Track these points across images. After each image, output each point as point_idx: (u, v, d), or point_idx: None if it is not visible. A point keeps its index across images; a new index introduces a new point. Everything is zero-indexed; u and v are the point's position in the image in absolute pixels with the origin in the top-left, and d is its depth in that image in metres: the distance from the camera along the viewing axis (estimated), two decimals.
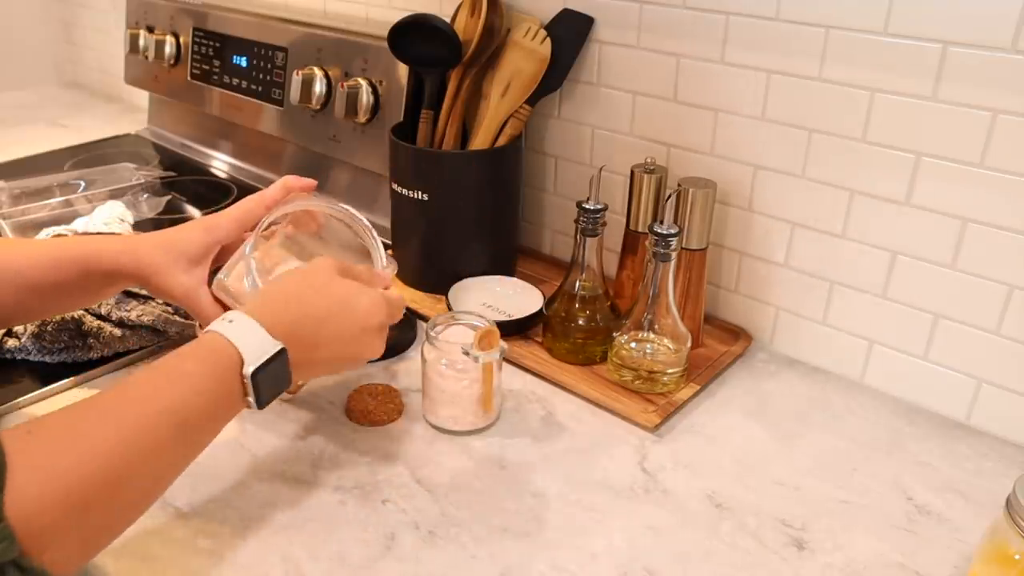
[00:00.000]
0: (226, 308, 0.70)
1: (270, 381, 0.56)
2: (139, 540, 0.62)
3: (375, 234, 0.76)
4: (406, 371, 0.84)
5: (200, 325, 0.81)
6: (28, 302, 0.69)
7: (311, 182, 0.75)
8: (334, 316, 0.62)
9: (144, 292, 0.84)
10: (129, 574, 0.59)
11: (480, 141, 0.96)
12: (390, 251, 1.03)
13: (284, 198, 0.73)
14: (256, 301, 0.61)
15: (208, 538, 0.62)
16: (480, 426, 0.75)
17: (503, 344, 0.73)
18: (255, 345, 0.55)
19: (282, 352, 0.57)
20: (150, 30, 1.46)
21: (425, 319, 0.91)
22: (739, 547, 0.63)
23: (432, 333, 0.74)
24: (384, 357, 0.85)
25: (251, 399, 0.55)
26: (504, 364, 0.85)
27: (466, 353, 0.72)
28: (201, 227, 0.71)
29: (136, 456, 0.48)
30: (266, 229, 0.72)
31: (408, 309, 0.93)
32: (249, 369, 0.54)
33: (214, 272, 0.71)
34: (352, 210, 0.75)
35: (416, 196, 0.93)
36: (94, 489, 0.45)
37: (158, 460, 0.50)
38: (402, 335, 0.88)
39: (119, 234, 0.98)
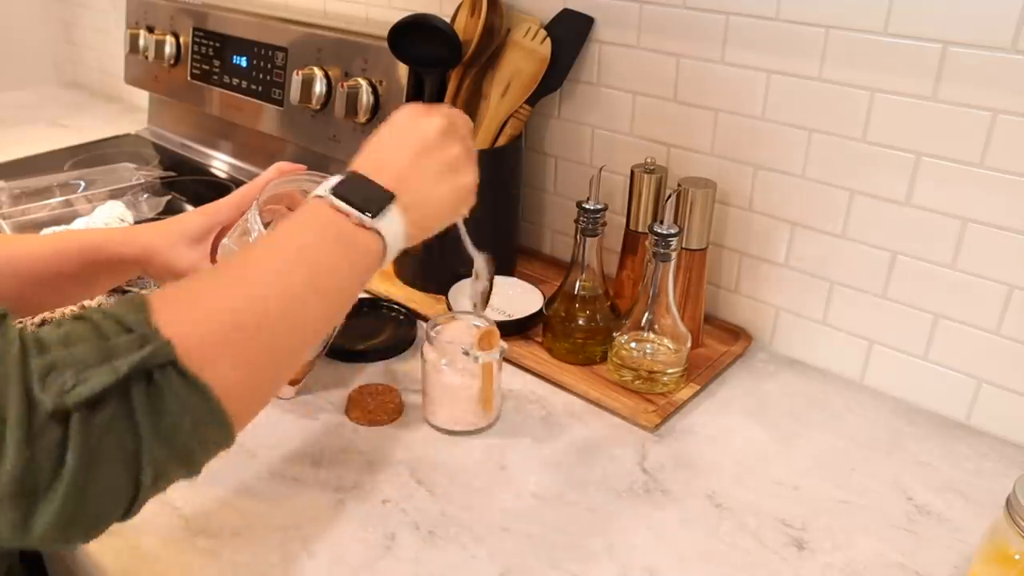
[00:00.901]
0: None
1: (358, 195, 0.53)
2: (139, 540, 0.62)
3: None
4: (406, 371, 0.83)
5: None
6: (32, 294, 0.69)
7: (303, 167, 0.76)
8: (408, 134, 0.60)
9: (144, 292, 0.84)
10: (129, 574, 0.59)
11: (480, 141, 0.96)
12: None
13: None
14: (358, 158, 0.59)
15: (208, 538, 0.62)
16: (480, 426, 0.75)
17: (503, 344, 0.73)
18: (326, 183, 0.54)
19: (353, 174, 0.55)
20: (150, 30, 1.46)
21: (425, 319, 0.91)
22: (739, 547, 0.63)
23: (432, 333, 0.74)
24: (384, 357, 0.86)
25: (355, 215, 0.52)
26: (504, 364, 0.85)
27: (466, 353, 0.72)
28: (201, 212, 0.73)
29: (275, 302, 0.48)
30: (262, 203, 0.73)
31: (408, 309, 0.93)
32: (324, 190, 0.53)
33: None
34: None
35: None
36: (235, 313, 0.46)
37: (295, 308, 0.49)
38: (402, 335, 0.88)
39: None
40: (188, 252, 0.70)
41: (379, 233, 0.53)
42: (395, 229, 0.54)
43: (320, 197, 0.53)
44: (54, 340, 0.40)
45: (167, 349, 0.41)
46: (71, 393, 0.38)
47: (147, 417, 0.40)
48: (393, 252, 0.55)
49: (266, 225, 0.73)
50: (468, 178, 0.62)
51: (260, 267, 0.49)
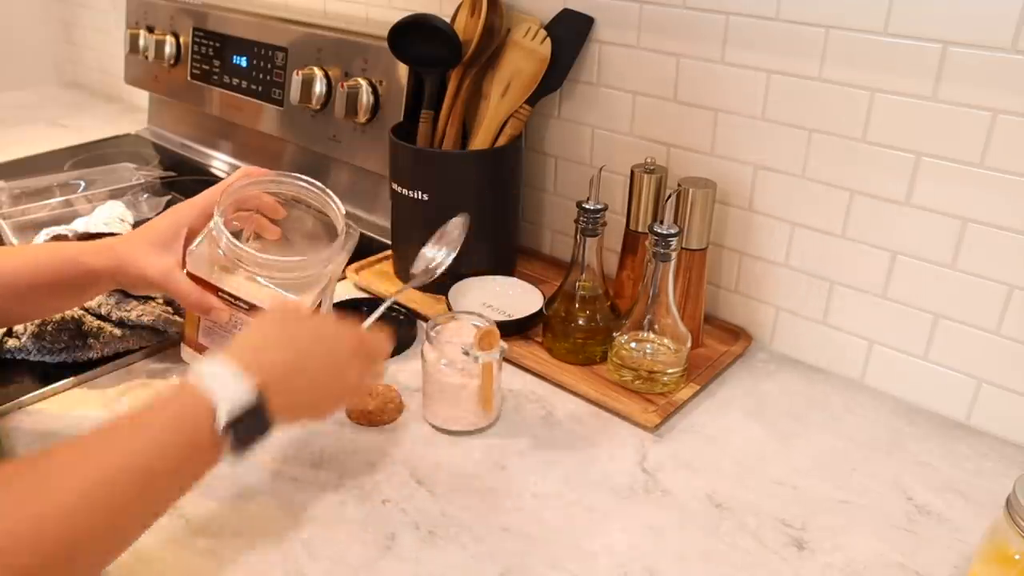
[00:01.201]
0: (202, 285, 0.71)
1: (246, 432, 0.53)
2: (139, 540, 0.62)
3: (335, 199, 0.75)
4: (406, 371, 0.83)
5: (180, 305, 0.82)
6: (12, 307, 0.70)
7: (269, 171, 0.76)
8: (319, 357, 0.60)
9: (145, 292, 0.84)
10: (129, 574, 0.59)
11: (480, 141, 0.96)
12: (389, 251, 1.04)
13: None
14: (235, 343, 0.59)
15: (208, 538, 0.62)
16: (480, 426, 0.75)
17: (503, 344, 0.73)
18: (231, 393, 0.53)
19: (258, 401, 0.54)
20: (150, 30, 1.46)
21: (425, 319, 0.91)
22: (739, 547, 0.63)
23: (432, 333, 0.74)
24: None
25: (226, 449, 0.53)
26: (504, 364, 0.85)
27: (466, 353, 0.72)
28: (168, 214, 0.73)
29: (100, 513, 0.47)
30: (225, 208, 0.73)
31: (408, 309, 0.93)
32: (221, 420, 0.52)
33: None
34: (303, 177, 0.75)
35: (416, 196, 0.93)
36: (57, 545, 0.45)
37: (121, 513, 0.49)
38: (402, 335, 0.88)
39: (106, 235, 0.98)
40: (158, 260, 0.70)
41: (235, 456, 0.54)
42: (247, 450, 0.55)
43: (211, 411, 0.51)
44: None
45: None
46: None
47: None
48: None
49: (236, 233, 0.74)
50: (337, 406, 0.65)
51: (99, 470, 0.48)
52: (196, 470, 0.53)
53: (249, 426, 0.53)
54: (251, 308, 0.71)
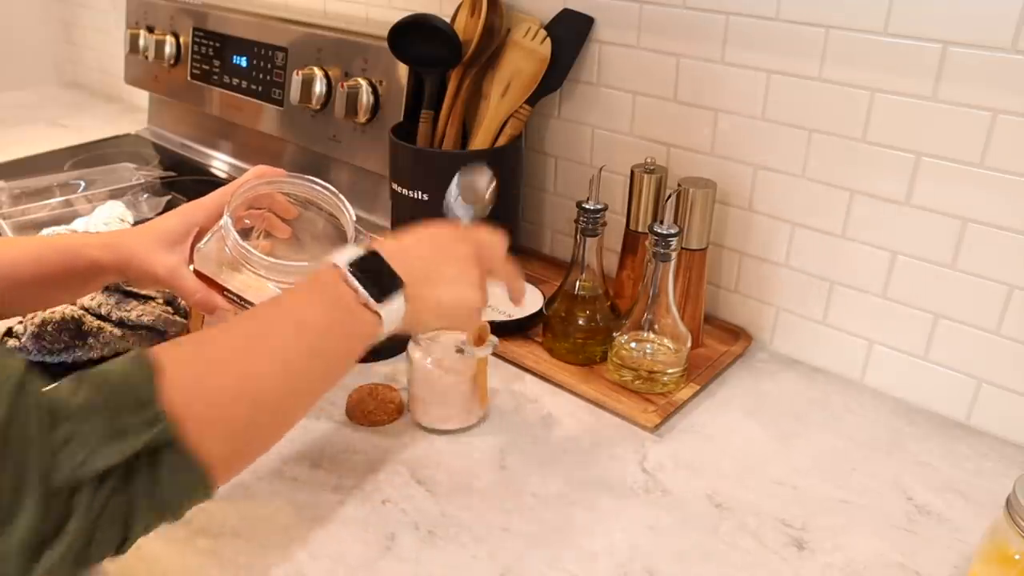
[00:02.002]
0: (209, 283, 0.71)
1: (371, 275, 0.56)
2: (139, 540, 0.62)
3: (347, 204, 0.75)
4: (406, 371, 0.83)
5: (186, 304, 0.82)
6: (12, 297, 0.70)
7: (282, 172, 0.76)
8: (427, 236, 0.63)
9: (144, 292, 0.84)
10: (129, 574, 0.59)
11: (480, 141, 0.96)
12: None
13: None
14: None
15: (208, 538, 0.62)
16: (471, 423, 0.75)
17: (494, 339, 0.73)
18: (347, 253, 0.57)
19: (371, 251, 0.57)
20: (150, 30, 1.46)
21: None
22: (739, 547, 0.63)
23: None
24: (384, 357, 0.85)
25: (362, 293, 0.55)
26: (504, 364, 0.85)
27: (460, 350, 0.72)
28: (178, 213, 0.73)
29: (270, 369, 0.51)
30: (236, 208, 0.73)
31: None
32: (342, 261, 0.56)
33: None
34: (318, 181, 0.74)
35: (416, 196, 0.93)
36: (237, 397, 0.49)
37: (291, 374, 0.53)
38: (400, 334, 0.88)
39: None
40: (166, 257, 0.70)
41: (379, 315, 0.56)
42: (394, 316, 0.57)
43: (335, 267, 0.56)
44: (71, 411, 0.43)
45: (171, 431, 0.45)
46: (82, 468, 0.42)
47: (144, 489, 0.45)
48: (385, 335, 0.58)
49: (246, 232, 0.73)
50: (474, 297, 0.64)
51: (267, 338, 0.53)
52: (346, 324, 0.56)
53: (370, 267, 0.56)
54: None
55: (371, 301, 0.55)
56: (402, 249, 0.60)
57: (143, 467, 0.44)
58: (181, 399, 0.46)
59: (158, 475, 0.45)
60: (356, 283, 0.55)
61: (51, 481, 0.41)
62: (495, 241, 0.66)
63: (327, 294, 0.55)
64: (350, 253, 0.57)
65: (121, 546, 0.45)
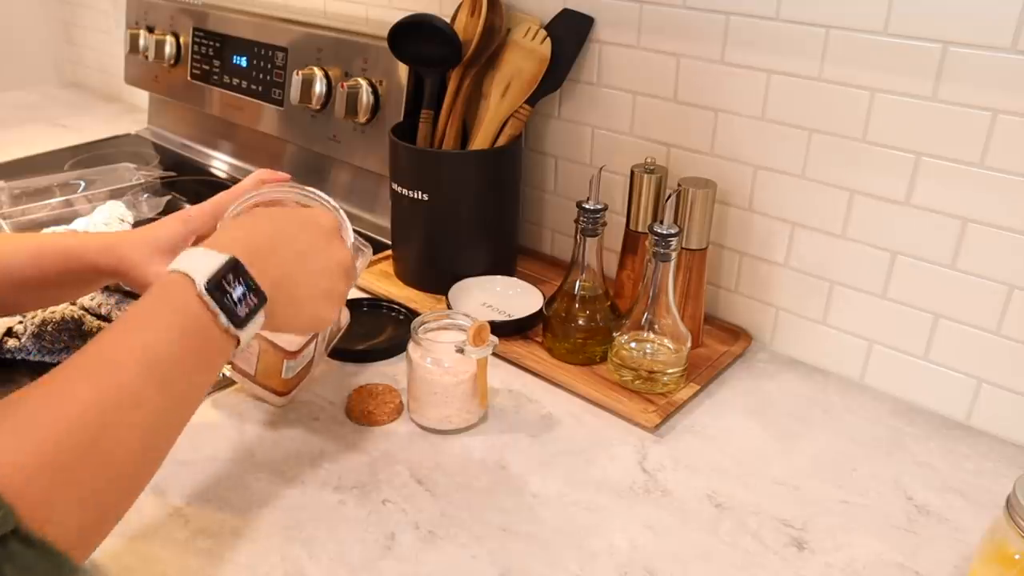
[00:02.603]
0: None
1: (231, 295, 0.50)
2: (139, 540, 0.62)
3: (344, 217, 0.73)
4: (405, 371, 0.83)
5: None
6: (10, 296, 0.69)
7: (285, 176, 0.75)
8: (293, 231, 0.59)
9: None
10: (129, 574, 0.59)
11: (480, 141, 0.96)
12: (389, 251, 1.04)
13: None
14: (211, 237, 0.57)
15: (208, 538, 0.62)
16: (472, 423, 0.75)
17: (494, 339, 0.73)
18: (203, 264, 0.50)
19: (231, 261, 0.51)
20: (150, 30, 1.46)
21: None
22: (739, 547, 0.63)
23: (418, 333, 0.74)
24: (384, 357, 0.86)
25: (222, 318, 0.50)
26: (504, 364, 0.85)
27: (460, 351, 0.72)
28: (178, 219, 0.72)
29: (111, 406, 0.44)
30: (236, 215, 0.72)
31: (408, 309, 0.93)
32: (200, 284, 0.49)
33: None
34: (320, 194, 0.73)
35: (416, 196, 0.93)
36: (76, 447, 0.42)
37: (138, 409, 0.46)
38: (402, 335, 0.88)
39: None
40: (163, 263, 0.68)
41: (238, 339, 0.51)
42: (252, 332, 0.53)
43: (190, 281, 0.49)
44: None
45: (5, 515, 0.38)
46: None
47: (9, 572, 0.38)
48: (243, 347, 0.53)
49: None
50: (331, 316, 0.61)
51: (109, 375, 0.45)
52: (203, 351, 0.50)
53: (231, 287, 0.51)
54: None
55: (231, 327, 0.50)
56: (266, 251, 0.55)
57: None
58: (13, 477, 0.39)
59: (15, 564, 0.38)
60: (215, 307, 0.49)
61: None
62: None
63: (180, 316, 0.49)
64: (206, 262, 0.50)
65: None
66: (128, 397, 0.45)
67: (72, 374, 0.45)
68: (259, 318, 0.53)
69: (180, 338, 0.49)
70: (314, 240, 0.61)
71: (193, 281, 0.50)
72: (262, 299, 0.53)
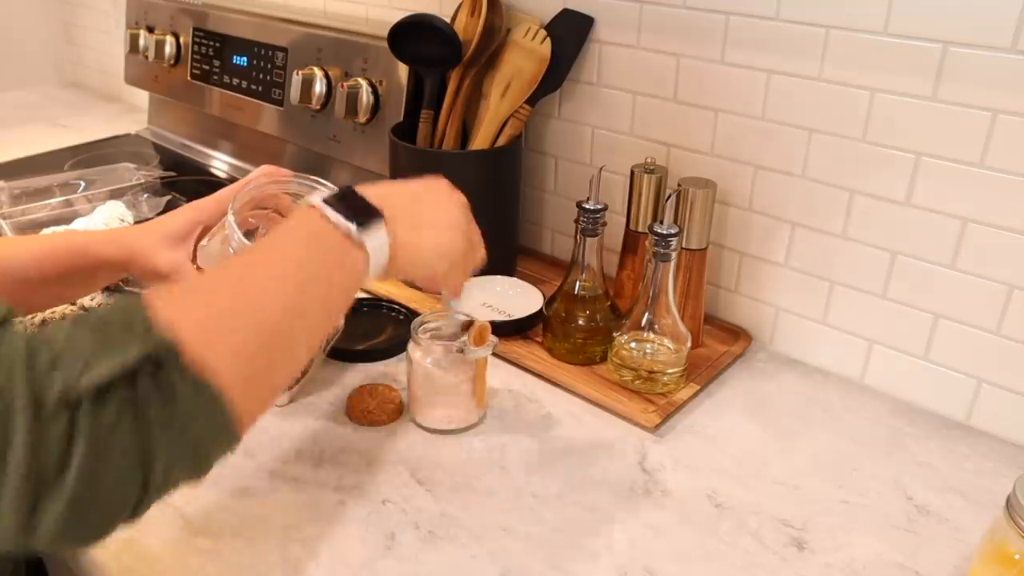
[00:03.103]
0: None
1: (349, 208, 0.54)
2: (139, 540, 0.62)
3: None
4: (406, 371, 0.83)
5: None
6: (18, 295, 0.69)
7: (288, 172, 0.75)
8: (405, 186, 0.61)
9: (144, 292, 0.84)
10: (129, 574, 0.59)
11: (480, 141, 0.96)
12: None
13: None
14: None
15: (208, 538, 0.62)
16: (472, 422, 0.75)
17: (494, 338, 0.73)
18: (320, 195, 0.55)
19: (350, 190, 0.56)
20: (150, 30, 1.46)
21: None
22: (739, 547, 0.63)
23: (418, 333, 0.74)
24: (384, 357, 0.86)
25: (342, 225, 0.53)
26: (504, 364, 0.85)
27: (460, 350, 0.72)
28: (183, 210, 0.73)
29: (261, 291, 0.49)
30: (241, 205, 0.72)
31: (408, 309, 0.93)
32: (318, 200, 0.54)
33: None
34: (321, 180, 0.74)
35: None
36: (234, 311, 0.46)
37: (285, 297, 0.49)
38: (402, 335, 0.88)
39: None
40: (170, 253, 0.70)
41: (363, 247, 0.54)
42: (379, 245, 0.55)
43: (312, 206, 0.54)
44: (59, 335, 0.40)
45: (171, 343, 0.41)
46: (79, 381, 0.38)
47: (155, 410, 0.40)
48: (376, 268, 0.55)
49: (251, 232, 0.73)
50: (460, 242, 0.62)
51: (254, 276, 0.50)
52: (338, 258, 0.53)
53: (346, 199, 0.54)
54: None
55: (353, 231, 0.53)
56: (385, 191, 0.58)
57: (148, 385, 0.40)
58: (178, 319, 0.42)
59: (167, 393, 0.40)
60: (335, 215, 0.53)
61: (44, 399, 0.37)
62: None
63: (307, 231, 0.53)
64: (322, 194, 0.56)
65: (141, 500, 0.40)
66: (276, 291, 0.49)
67: (234, 276, 0.50)
68: (380, 231, 0.55)
69: (312, 247, 0.53)
70: (428, 185, 0.63)
71: (314, 204, 0.54)
72: (379, 214, 0.55)
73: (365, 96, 1.08)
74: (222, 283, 0.49)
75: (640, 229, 0.88)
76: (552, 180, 1.05)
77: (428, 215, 0.60)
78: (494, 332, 0.73)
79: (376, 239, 0.55)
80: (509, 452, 0.73)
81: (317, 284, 0.52)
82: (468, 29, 0.94)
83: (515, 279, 0.96)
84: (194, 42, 1.39)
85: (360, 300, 0.96)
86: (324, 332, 0.55)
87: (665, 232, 0.75)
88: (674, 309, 0.78)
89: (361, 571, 0.60)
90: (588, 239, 0.81)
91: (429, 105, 0.97)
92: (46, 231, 0.95)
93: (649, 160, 0.86)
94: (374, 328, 0.90)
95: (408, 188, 0.61)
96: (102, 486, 0.38)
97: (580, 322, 0.83)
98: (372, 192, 0.57)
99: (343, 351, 0.84)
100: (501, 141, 0.95)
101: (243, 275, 0.50)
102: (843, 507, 0.67)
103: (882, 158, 0.76)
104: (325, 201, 0.54)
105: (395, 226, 0.56)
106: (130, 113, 1.72)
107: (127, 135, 1.58)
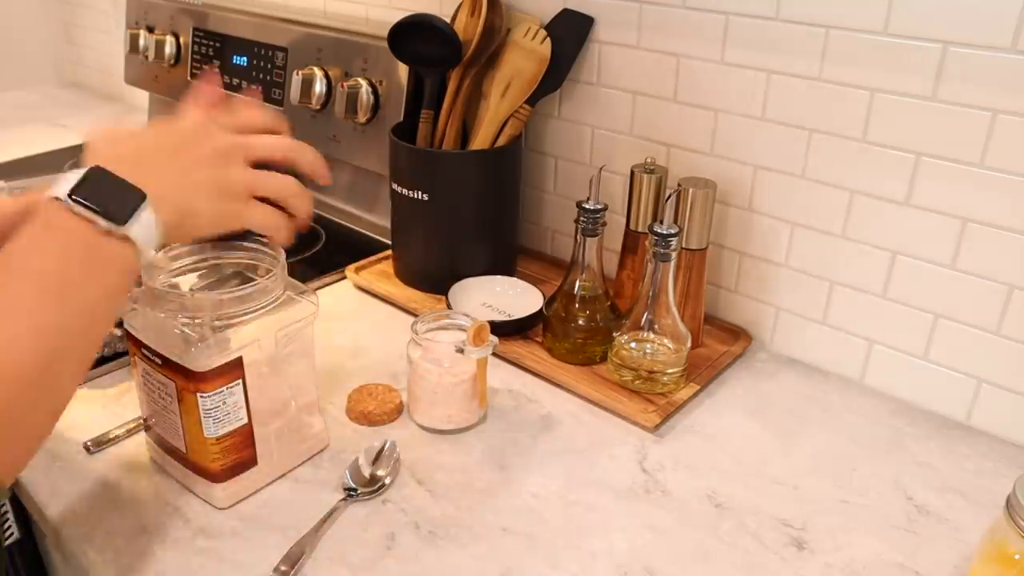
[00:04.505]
0: None
1: (100, 196, 0.48)
2: (139, 540, 0.62)
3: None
4: (406, 371, 0.83)
5: None
6: None
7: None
8: (155, 137, 0.55)
9: None
10: (129, 574, 0.59)
11: (480, 141, 0.96)
12: (389, 251, 1.03)
13: None
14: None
15: (208, 538, 0.62)
16: (472, 422, 0.75)
17: (494, 339, 0.73)
18: (64, 182, 0.49)
19: (93, 168, 0.49)
20: (150, 30, 1.46)
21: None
22: (739, 547, 0.63)
23: (418, 333, 0.74)
24: None
25: (100, 222, 0.47)
26: (504, 364, 0.85)
27: (460, 350, 0.72)
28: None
29: (11, 328, 0.44)
30: None
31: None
32: (61, 191, 0.47)
33: None
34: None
35: (416, 196, 0.93)
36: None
37: (42, 329, 0.44)
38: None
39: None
40: None
41: (128, 238, 0.48)
42: (147, 233, 0.49)
43: (56, 200, 0.47)
44: None
45: None
46: None
47: None
48: (148, 256, 0.50)
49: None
50: (236, 171, 0.55)
51: (3, 304, 0.44)
52: (91, 258, 0.47)
53: (104, 193, 0.48)
54: None
55: (113, 227, 0.47)
56: (122, 153, 0.51)
57: None
58: None
59: None
60: (85, 211, 0.46)
61: None
62: (255, 118, 0.57)
63: (56, 233, 0.46)
64: (67, 179, 0.48)
65: None
66: (30, 326, 0.44)
67: None
68: (146, 215, 0.49)
69: (66, 253, 0.46)
70: (182, 136, 0.55)
71: (57, 197, 0.47)
72: (140, 194, 0.49)
73: (365, 96, 1.08)
74: None
75: (640, 229, 0.88)
76: (552, 180, 1.05)
77: (189, 156, 0.53)
78: (494, 332, 0.73)
79: (141, 224, 0.48)
80: (509, 452, 0.73)
81: (82, 299, 0.46)
82: (468, 29, 0.94)
83: (515, 279, 0.97)
84: (194, 42, 1.39)
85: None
86: (95, 349, 0.48)
87: (665, 232, 0.75)
88: (674, 309, 0.78)
89: (361, 571, 0.60)
90: (588, 239, 0.81)
91: (429, 105, 0.97)
92: None
93: (649, 160, 0.86)
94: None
95: (148, 135, 0.53)
96: None
97: (580, 322, 0.83)
98: (118, 160, 0.49)
99: None
100: (501, 141, 0.95)
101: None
102: (843, 507, 0.68)
103: (882, 158, 0.76)
104: (71, 194, 0.46)
105: (158, 192, 0.49)
106: (130, 113, 1.72)
107: None
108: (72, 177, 0.48)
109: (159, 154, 0.53)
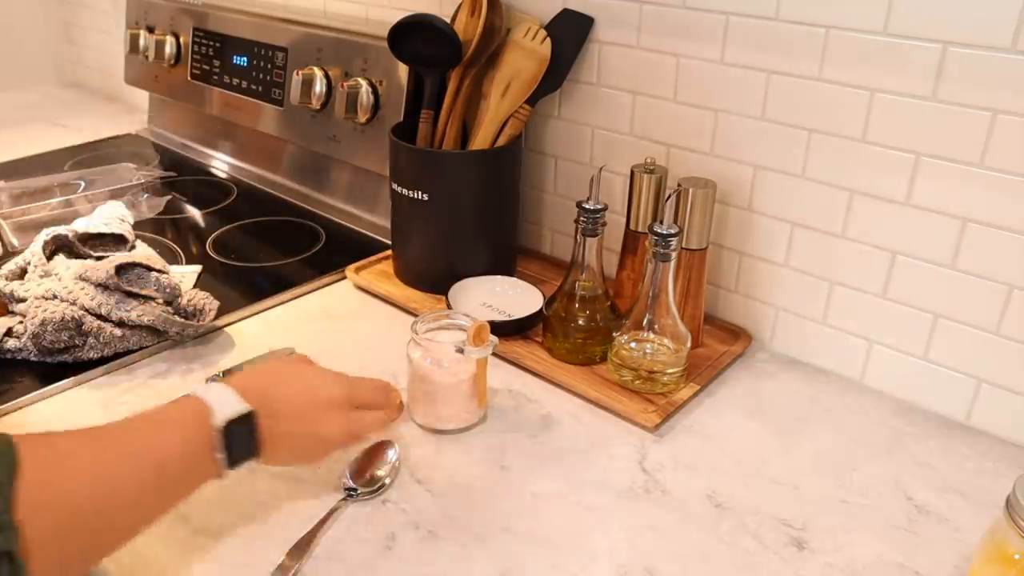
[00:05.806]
0: None
1: (240, 439, 0.58)
2: (139, 540, 0.62)
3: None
4: (406, 371, 0.83)
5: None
6: None
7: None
8: (290, 383, 0.64)
9: (144, 292, 0.84)
10: (129, 574, 0.59)
11: (480, 141, 0.96)
12: (389, 251, 1.03)
13: None
14: (234, 375, 0.64)
15: (208, 538, 0.62)
16: (472, 422, 0.75)
17: (494, 339, 0.73)
18: (224, 402, 0.58)
19: (250, 414, 0.58)
20: (150, 30, 1.46)
21: None
22: (739, 547, 0.63)
23: (418, 333, 0.74)
24: None
25: (220, 455, 0.56)
26: (504, 364, 0.85)
27: (460, 350, 0.72)
28: None
29: (120, 495, 0.52)
30: None
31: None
32: (219, 421, 0.56)
33: None
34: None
35: (416, 196, 0.93)
36: (83, 516, 0.49)
37: (137, 502, 0.53)
38: None
39: (107, 235, 0.97)
40: None
41: (225, 473, 0.58)
42: (241, 468, 0.59)
43: (211, 417, 0.56)
44: None
45: (9, 537, 0.44)
46: None
47: None
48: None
49: None
50: (327, 432, 0.64)
51: (123, 472, 0.52)
52: (199, 468, 0.57)
53: (240, 435, 0.58)
54: None
55: (224, 467, 0.57)
56: (275, 406, 0.60)
57: None
58: (33, 510, 0.46)
59: None
60: (222, 447, 0.56)
61: None
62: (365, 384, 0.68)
63: (192, 443, 0.56)
64: (228, 406, 0.57)
65: None
66: (134, 499, 0.53)
67: (100, 450, 0.52)
68: (248, 465, 0.59)
69: (187, 459, 0.56)
70: (314, 404, 0.64)
71: (214, 416, 0.56)
72: (257, 455, 0.59)
73: (365, 96, 1.08)
74: (90, 477, 0.51)
75: (640, 229, 0.88)
76: (552, 180, 1.05)
77: (306, 431, 0.63)
78: (494, 332, 0.73)
79: (239, 471, 0.58)
80: (509, 452, 0.73)
81: (173, 494, 0.56)
82: (468, 29, 0.94)
83: (515, 279, 0.97)
84: (194, 42, 1.39)
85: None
86: (157, 520, 0.56)
87: (665, 232, 0.75)
88: (674, 309, 0.78)
89: (361, 571, 0.60)
90: (588, 239, 0.81)
91: (429, 105, 0.97)
92: (46, 231, 0.95)
93: (649, 160, 0.86)
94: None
95: (294, 404, 0.62)
96: None
97: (580, 322, 0.83)
98: (267, 407, 0.59)
99: None
100: (501, 141, 0.95)
101: (111, 473, 0.52)
102: (843, 507, 0.68)
103: (882, 158, 0.76)
104: (223, 427, 0.56)
105: (267, 459, 0.60)
106: (130, 113, 1.72)
107: (127, 135, 1.58)
108: (230, 405, 0.58)
109: (291, 418, 0.62)
